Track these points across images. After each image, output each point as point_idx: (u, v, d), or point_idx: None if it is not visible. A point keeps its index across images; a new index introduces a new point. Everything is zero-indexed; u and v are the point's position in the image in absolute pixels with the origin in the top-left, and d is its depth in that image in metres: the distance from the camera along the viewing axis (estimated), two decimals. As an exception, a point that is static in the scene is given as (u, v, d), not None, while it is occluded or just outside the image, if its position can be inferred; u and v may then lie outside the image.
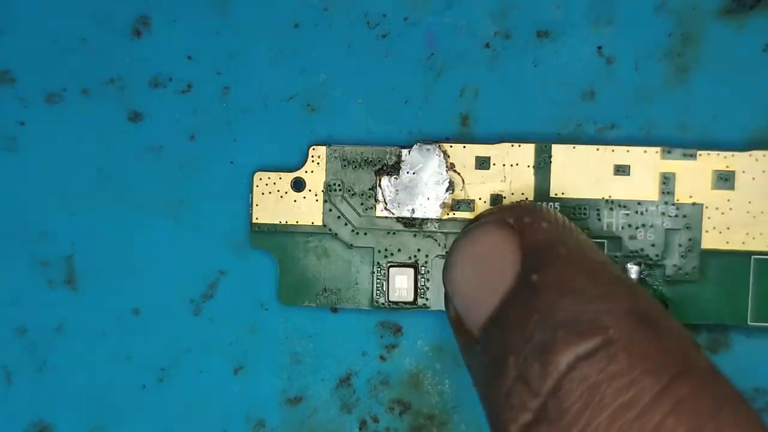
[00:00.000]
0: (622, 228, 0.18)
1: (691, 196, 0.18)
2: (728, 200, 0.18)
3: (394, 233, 0.19)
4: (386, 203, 0.18)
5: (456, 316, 0.14)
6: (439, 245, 0.19)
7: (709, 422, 0.10)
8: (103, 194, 0.19)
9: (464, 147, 0.18)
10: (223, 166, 0.19)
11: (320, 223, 0.19)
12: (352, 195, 0.19)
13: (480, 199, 0.18)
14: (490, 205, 0.18)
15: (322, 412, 0.19)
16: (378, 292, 0.19)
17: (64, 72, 0.19)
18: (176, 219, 0.19)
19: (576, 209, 0.18)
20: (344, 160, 0.19)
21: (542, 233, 0.13)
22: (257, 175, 0.19)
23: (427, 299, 0.19)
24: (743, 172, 0.18)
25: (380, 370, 0.19)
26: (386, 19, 0.19)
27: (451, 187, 0.18)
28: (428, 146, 0.18)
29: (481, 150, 0.18)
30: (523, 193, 0.18)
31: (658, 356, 0.11)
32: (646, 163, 0.18)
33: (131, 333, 0.19)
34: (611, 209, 0.18)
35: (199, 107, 0.19)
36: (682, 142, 0.18)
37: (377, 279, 0.19)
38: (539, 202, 0.18)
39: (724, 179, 0.18)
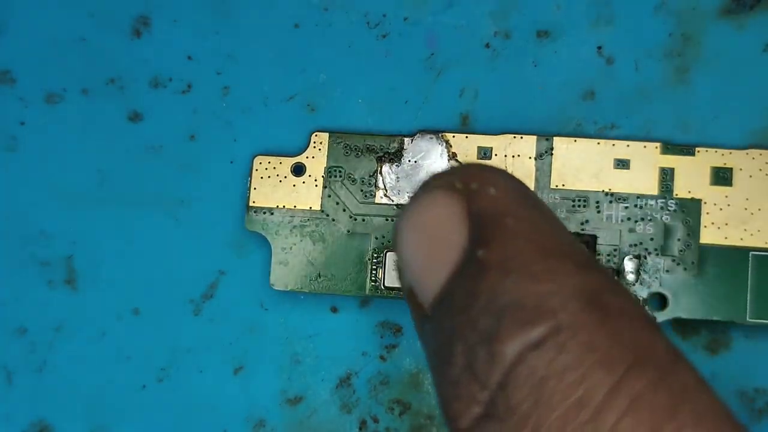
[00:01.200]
0: (621, 221, 0.18)
1: (689, 192, 0.18)
2: (726, 196, 0.18)
3: (392, 220, 0.19)
4: (386, 190, 0.18)
5: (409, 289, 0.12)
6: None
7: (668, 422, 0.09)
8: (103, 194, 0.19)
9: (466, 137, 0.18)
10: (223, 166, 0.19)
11: (318, 209, 0.19)
12: (353, 181, 0.19)
13: None
14: None
15: (322, 412, 0.19)
16: (373, 278, 0.19)
17: (64, 72, 0.19)
18: (176, 219, 0.19)
19: (576, 201, 0.18)
20: (346, 146, 0.19)
21: (489, 201, 0.11)
22: (257, 159, 0.19)
23: None
24: (741, 169, 0.18)
25: (380, 370, 0.19)
26: (386, 19, 0.19)
27: (452, 175, 0.18)
28: (431, 135, 0.18)
29: (483, 140, 0.18)
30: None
31: (609, 345, 0.10)
32: (646, 158, 0.18)
33: (131, 333, 0.19)
34: (611, 202, 0.18)
35: (199, 107, 0.19)
36: (682, 143, 0.18)
37: (373, 266, 0.19)
38: (493, 165, 0.17)
39: (722, 176, 0.18)
